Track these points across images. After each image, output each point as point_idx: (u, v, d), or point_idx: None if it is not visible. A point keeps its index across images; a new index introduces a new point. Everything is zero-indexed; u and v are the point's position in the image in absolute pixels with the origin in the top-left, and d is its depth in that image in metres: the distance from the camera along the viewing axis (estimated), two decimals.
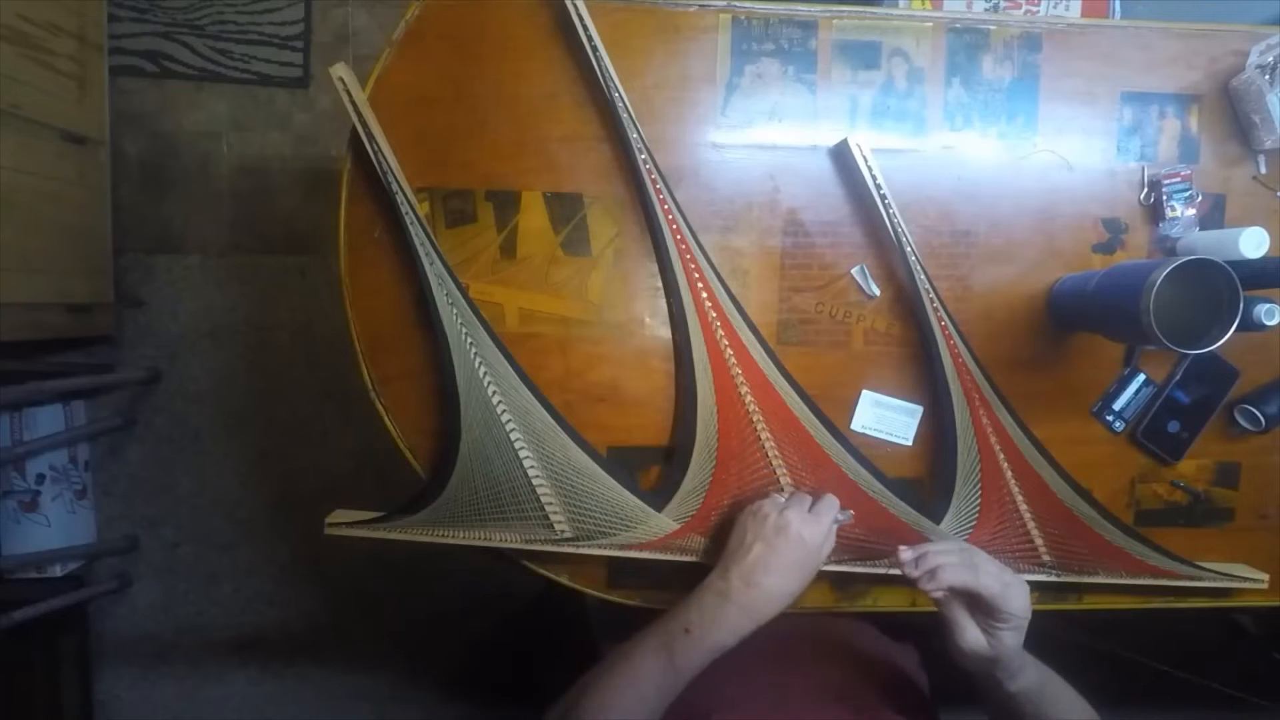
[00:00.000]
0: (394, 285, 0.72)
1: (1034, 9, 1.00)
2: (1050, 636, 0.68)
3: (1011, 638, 0.61)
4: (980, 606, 0.61)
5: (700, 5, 0.72)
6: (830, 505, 0.69)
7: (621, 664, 0.64)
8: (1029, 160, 0.75)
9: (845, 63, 0.73)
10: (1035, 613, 0.61)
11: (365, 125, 0.68)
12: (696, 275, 0.72)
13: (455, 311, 0.71)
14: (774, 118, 0.73)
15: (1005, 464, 0.75)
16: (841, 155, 0.73)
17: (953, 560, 0.62)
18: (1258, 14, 1.08)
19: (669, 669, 0.63)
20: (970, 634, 0.61)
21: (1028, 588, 0.62)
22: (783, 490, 0.73)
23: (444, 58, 0.71)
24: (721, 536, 0.71)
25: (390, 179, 0.69)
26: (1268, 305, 0.66)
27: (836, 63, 0.73)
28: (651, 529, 0.73)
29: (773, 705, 0.70)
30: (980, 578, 0.60)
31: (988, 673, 0.63)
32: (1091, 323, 0.73)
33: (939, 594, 0.61)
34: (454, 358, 0.71)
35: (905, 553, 0.63)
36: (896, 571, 0.73)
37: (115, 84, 1.42)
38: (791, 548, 0.65)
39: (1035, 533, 0.76)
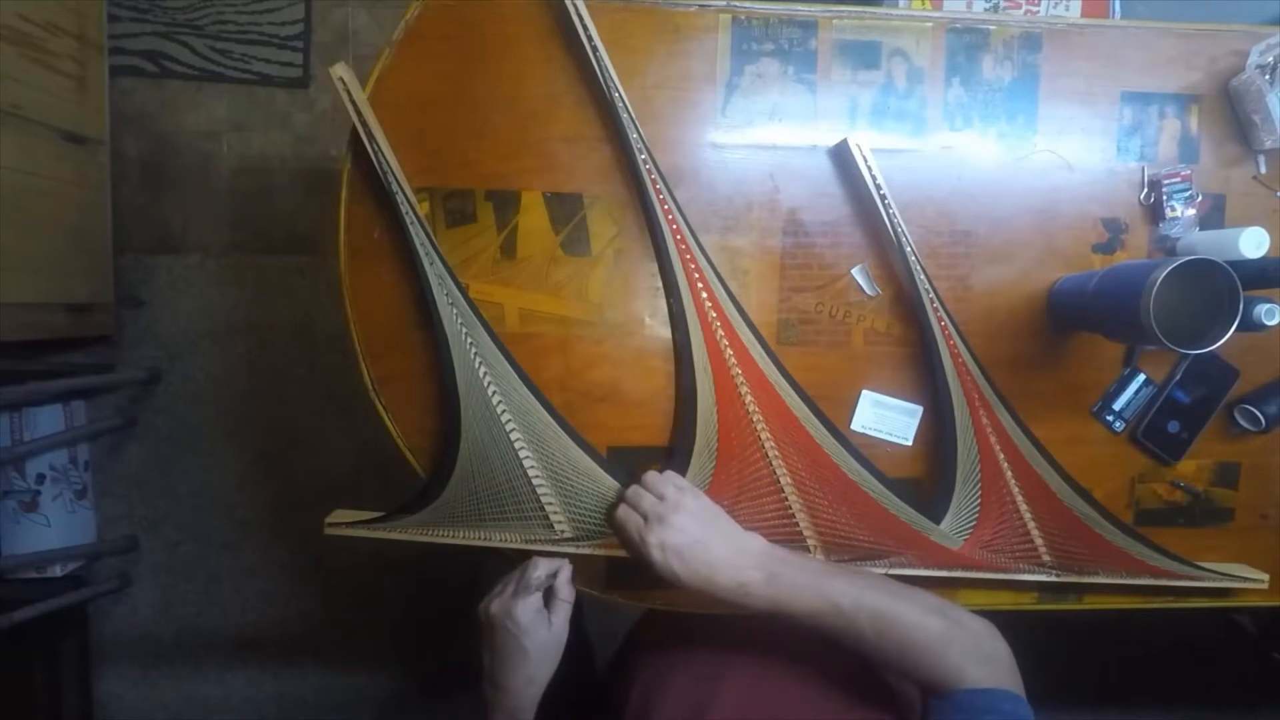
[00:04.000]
0: (394, 285, 0.72)
1: (1034, 9, 1.00)
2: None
3: (752, 601, 0.61)
4: None
5: (700, 5, 0.72)
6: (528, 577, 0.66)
7: None
8: (1029, 160, 0.75)
9: (845, 63, 0.73)
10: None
11: (365, 125, 0.68)
12: (696, 275, 0.72)
13: (455, 311, 0.71)
14: (774, 118, 0.73)
15: (1005, 464, 0.75)
16: (841, 155, 0.73)
17: (633, 524, 0.63)
18: (1258, 14, 1.08)
19: None
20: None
21: (665, 559, 0.61)
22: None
23: (444, 58, 0.71)
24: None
25: (390, 179, 0.69)
26: (1268, 305, 0.66)
27: (836, 63, 0.73)
28: None
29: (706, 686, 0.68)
30: (638, 550, 0.62)
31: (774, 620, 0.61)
32: (1091, 323, 0.73)
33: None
34: (454, 358, 0.71)
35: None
36: (898, 571, 0.73)
37: (115, 84, 1.42)
38: (503, 635, 0.65)
39: (1035, 533, 0.76)
